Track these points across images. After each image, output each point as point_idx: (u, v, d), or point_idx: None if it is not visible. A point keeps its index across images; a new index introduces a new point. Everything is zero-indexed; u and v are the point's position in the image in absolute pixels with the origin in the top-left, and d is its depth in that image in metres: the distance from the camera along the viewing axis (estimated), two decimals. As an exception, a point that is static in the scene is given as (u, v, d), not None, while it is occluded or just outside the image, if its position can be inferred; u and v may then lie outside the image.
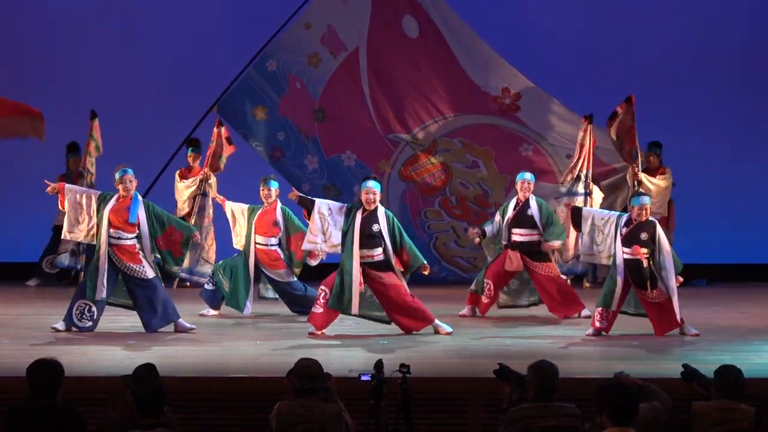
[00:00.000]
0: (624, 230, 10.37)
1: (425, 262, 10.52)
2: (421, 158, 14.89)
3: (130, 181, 10.54)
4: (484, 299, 11.66)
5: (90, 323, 10.42)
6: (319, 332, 10.38)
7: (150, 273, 10.44)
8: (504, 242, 11.64)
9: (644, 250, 10.25)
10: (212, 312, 11.75)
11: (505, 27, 15.20)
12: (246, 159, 14.45)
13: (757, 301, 13.02)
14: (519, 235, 11.59)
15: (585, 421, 6.31)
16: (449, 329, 10.47)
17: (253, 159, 14.68)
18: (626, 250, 10.34)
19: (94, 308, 10.42)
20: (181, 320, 10.54)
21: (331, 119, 14.86)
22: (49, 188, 10.67)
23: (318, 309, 10.39)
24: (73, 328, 10.40)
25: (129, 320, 10.64)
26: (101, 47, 15.26)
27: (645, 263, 10.26)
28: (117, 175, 10.57)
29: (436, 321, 10.51)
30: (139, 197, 10.63)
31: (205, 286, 11.90)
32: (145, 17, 15.30)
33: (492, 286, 11.60)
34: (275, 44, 14.74)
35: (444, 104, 14.86)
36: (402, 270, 10.45)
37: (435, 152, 14.86)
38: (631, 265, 10.34)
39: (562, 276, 12.20)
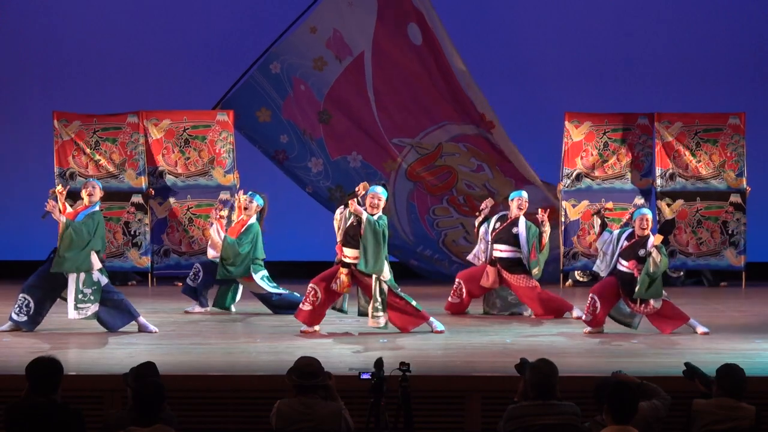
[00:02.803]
0: (625, 243, 10.44)
1: None
2: (426, 161, 14.88)
3: (93, 187, 10.45)
4: (451, 299, 11.70)
5: (25, 318, 10.30)
6: (310, 330, 10.39)
7: (103, 279, 10.33)
8: (485, 258, 11.61)
9: (640, 266, 10.30)
10: (198, 309, 11.77)
11: (495, 28, 15.27)
12: (247, 158, 14.48)
13: (757, 300, 13.02)
14: (500, 250, 11.54)
15: (584, 419, 6.31)
16: (442, 327, 10.47)
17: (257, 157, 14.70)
18: (623, 263, 10.41)
19: (32, 304, 10.32)
20: (141, 318, 10.43)
21: (336, 121, 14.85)
22: (48, 206, 10.31)
23: (307, 306, 10.40)
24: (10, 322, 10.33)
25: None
26: (101, 46, 15.27)
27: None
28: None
29: (431, 319, 10.51)
30: (96, 209, 10.43)
31: (187, 281, 11.89)
32: (147, 18, 15.30)
33: (463, 287, 11.62)
34: (280, 47, 14.74)
35: (447, 111, 14.84)
36: None
37: (440, 156, 14.86)
38: (625, 276, 10.41)
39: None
